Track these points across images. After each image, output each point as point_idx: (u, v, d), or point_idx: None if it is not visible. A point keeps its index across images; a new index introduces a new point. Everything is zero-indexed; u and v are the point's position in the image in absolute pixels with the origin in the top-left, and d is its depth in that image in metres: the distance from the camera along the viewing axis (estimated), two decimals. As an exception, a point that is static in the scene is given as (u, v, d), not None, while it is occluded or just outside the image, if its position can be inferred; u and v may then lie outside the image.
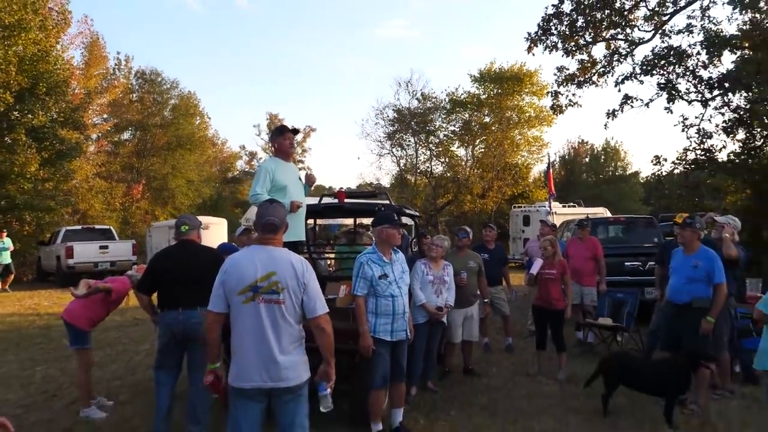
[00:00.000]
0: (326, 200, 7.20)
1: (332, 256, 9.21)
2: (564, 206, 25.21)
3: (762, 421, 5.34)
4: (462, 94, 30.82)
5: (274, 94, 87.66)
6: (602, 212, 25.68)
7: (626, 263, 10.08)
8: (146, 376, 6.91)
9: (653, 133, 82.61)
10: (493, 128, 30.06)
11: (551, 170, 24.10)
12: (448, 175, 30.21)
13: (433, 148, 30.61)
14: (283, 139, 5.30)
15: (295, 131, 5.38)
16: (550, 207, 22.74)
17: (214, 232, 20.04)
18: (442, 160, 31.11)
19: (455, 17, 78.99)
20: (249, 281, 3.20)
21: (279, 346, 3.21)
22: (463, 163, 30.95)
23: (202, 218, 22.38)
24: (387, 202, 6.73)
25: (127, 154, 33.72)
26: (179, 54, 76.24)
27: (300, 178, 5.55)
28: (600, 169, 56.81)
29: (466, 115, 30.96)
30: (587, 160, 57.75)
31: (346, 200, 6.45)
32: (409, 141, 30.72)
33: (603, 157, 57.67)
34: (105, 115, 31.98)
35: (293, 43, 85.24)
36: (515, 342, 8.67)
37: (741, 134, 13.64)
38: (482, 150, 30.27)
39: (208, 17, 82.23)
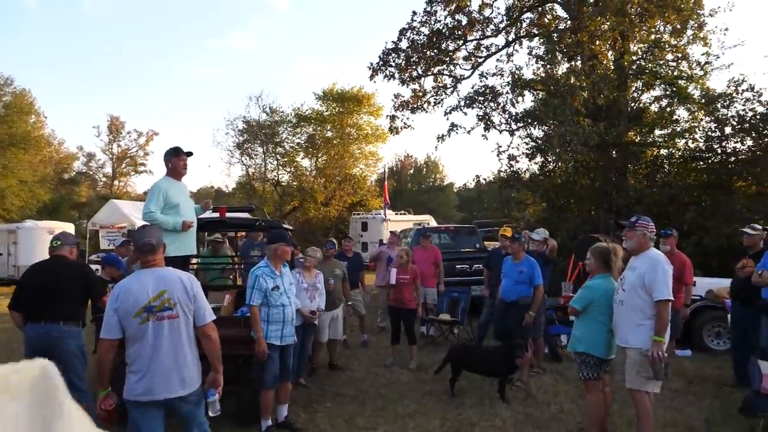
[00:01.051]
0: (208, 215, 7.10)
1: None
2: (396, 214, 26.52)
3: (568, 391, 6.29)
4: (307, 110, 31.22)
5: (117, 96, 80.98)
6: (428, 219, 27.43)
7: (457, 266, 11.06)
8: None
9: (464, 151, 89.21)
10: (335, 142, 30.74)
11: (386, 182, 25.31)
12: (294, 184, 30.35)
13: (280, 158, 30.56)
14: (177, 159, 5.22)
15: (189, 154, 5.33)
16: (384, 214, 23.85)
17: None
18: (288, 169, 31.19)
19: (297, 35, 78.87)
20: (142, 303, 3.24)
21: (182, 356, 3.30)
22: (308, 173, 31.26)
23: (48, 223, 20.37)
24: (254, 216, 6.84)
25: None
26: (14, 51, 67.53)
27: (190, 196, 5.50)
28: (422, 180, 60.24)
29: (311, 129, 31.36)
30: (411, 171, 60.91)
31: (227, 215, 6.45)
32: (257, 151, 30.38)
33: (425, 169, 61.29)
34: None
35: (137, 47, 79.43)
36: (369, 338, 9.14)
37: (539, 159, 15.52)
38: (325, 161, 30.79)
39: (46, 15, 73.89)
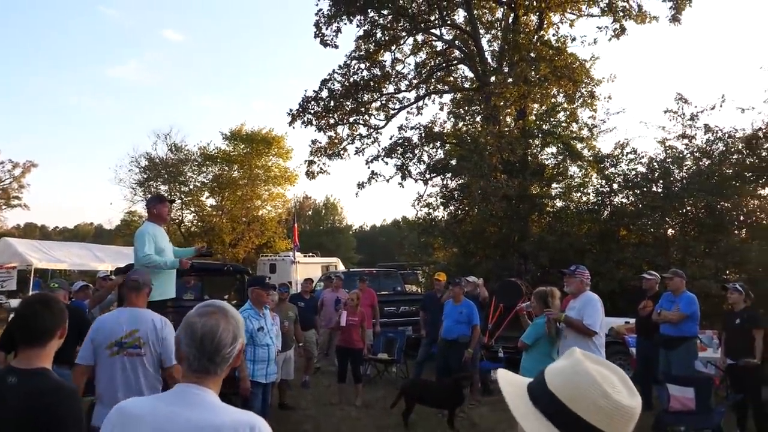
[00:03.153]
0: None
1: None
2: (305, 256, 26.80)
3: (509, 419, 7.09)
4: (213, 149, 30.98)
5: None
6: (336, 261, 27.96)
7: (385, 308, 11.73)
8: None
9: (363, 194, 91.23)
10: (242, 183, 30.67)
11: (296, 224, 25.67)
12: (200, 224, 29.80)
13: (184, 197, 29.92)
14: (162, 206, 5.55)
15: (172, 201, 5.68)
16: (294, 257, 24.10)
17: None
18: (193, 209, 30.59)
19: (190, 68, 77.48)
20: (116, 337, 3.64)
21: (141, 392, 3.60)
22: (214, 213, 30.80)
23: None
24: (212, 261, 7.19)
25: None
26: None
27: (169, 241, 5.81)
28: (320, 222, 60.73)
29: (217, 169, 31.11)
30: (310, 213, 61.30)
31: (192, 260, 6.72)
32: (161, 189, 29.56)
33: (324, 211, 61.93)
34: None
35: (14, 73, 74.31)
36: (309, 378, 9.51)
37: (451, 207, 16.84)
38: (232, 202, 30.56)
39: None
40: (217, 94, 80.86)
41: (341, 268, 25.55)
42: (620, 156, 14.51)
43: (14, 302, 19.33)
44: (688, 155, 13.62)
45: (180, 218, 29.34)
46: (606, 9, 17.39)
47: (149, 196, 29.73)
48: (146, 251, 5.19)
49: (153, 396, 1.74)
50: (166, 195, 6.05)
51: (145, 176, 29.91)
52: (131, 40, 77.39)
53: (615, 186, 14.38)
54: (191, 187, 30.90)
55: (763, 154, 12.71)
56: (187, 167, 30.73)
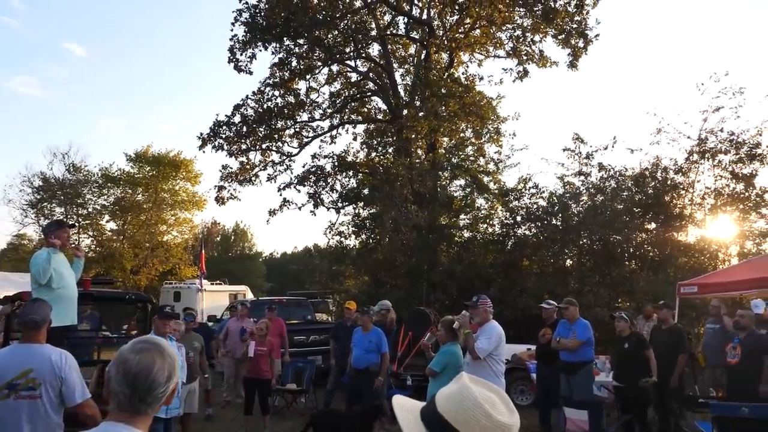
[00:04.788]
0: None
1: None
2: (212, 284, 25.94)
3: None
4: (116, 171, 29.55)
5: None
6: (244, 290, 27.24)
7: (295, 337, 11.58)
8: None
9: (274, 221, 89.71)
10: (146, 207, 29.40)
11: (203, 251, 24.85)
12: (98, 249, 28.12)
13: (81, 220, 28.16)
14: (61, 232, 5.29)
15: (72, 226, 5.41)
16: (200, 284, 23.28)
17: None
18: (91, 233, 28.84)
19: (94, 85, 73.54)
20: (7, 379, 3.30)
21: None
22: (114, 238, 29.22)
23: None
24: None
25: None
26: None
27: (70, 266, 5.52)
28: (229, 248, 59.08)
29: (119, 192, 29.66)
30: (218, 239, 59.53)
31: (92, 288, 6.40)
32: (55, 212, 27.73)
33: (233, 237, 60.34)
34: None
35: None
36: (213, 411, 9.17)
37: (363, 236, 17.02)
38: (134, 227, 29.15)
39: None
40: (121, 113, 77.23)
41: (250, 296, 24.95)
42: (523, 190, 15.33)
43: None
44: (584, 191, 14.64)
45: (76, 242, 27.54)
46: (511, 52, 18.53)
47: (42, 218, 27.87)
48: (40, 281, 4.91)
49: None
50: (65, 219, 5.75)
51: (39, 197, 27.98)
52: (29, 51, 72.63)
53: (518, 218, 15.13)
54: (90, 209, 29.26)
55: (650, 191, 13.90)
56: (87, 189, 29.11)
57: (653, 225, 14.13)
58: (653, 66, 67.71)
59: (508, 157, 17.72)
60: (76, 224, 5.70)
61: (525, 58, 18.25)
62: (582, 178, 14.67)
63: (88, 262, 27.67)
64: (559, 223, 14.36)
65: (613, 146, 14.55)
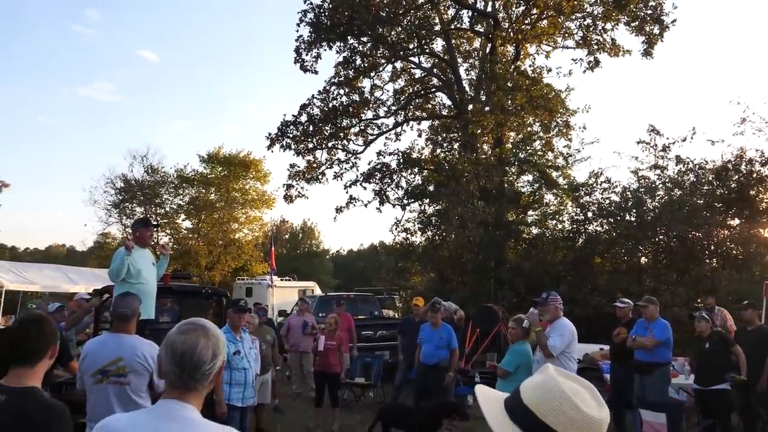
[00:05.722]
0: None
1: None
2: (282, 280, 26.65)
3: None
4: (190, 172, 30.85)
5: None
6: (312, 285, 27.83)
7: (363, 332, 11.73)
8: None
9: (341, 219, 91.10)
10: (218, 206, 30.52)
11: (273, 248, 25.57)
12: (176, 247, 29.43)
13: (160, 219, 29.58)
14: (145, 230, 5.60)
15: (156, 226, 5.71)
16: (271, 280, 23.97)
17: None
18: (168, 231, 30.24)
19: (167, 90, 77.12)
20: (100, 365, 3.60)
21: None
22: (190, 236, 30.54)
23: None
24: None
25: None
26: None
27: (153, 263, 5.82)
28: (297, 245, 60.43)
29: (194, 192, 30.95)
30: (287, 237, 60.97)
31: (171, 283, 6.72)
32: (136, 211, 29.27)
33: (300, 235, 61.69)
34: None
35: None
36: (282, 402, 9.42)
37: (429, 233, 17.01)
38: (208, 225, 30.35)
39: None
40: (192, 115, 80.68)
41: (318, 292, 25.43)
42: (594, 185, 14.85)
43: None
44: (660, 185, 14.00)
45: (156, 240, 29.01)
46: (581, 42, 17.96)
47: (124, 217, 29.47)
48: (114, 278, 5.22)
49: (135, 411, 1.77)
50: (150, 219, 6.19)
51: (121, 198, 29.59)
52: (106, 59, 77.04)
53: (589, 214, 14.67)
54: (167, 209, 30.66)
55: (733, 185, 13.14)
56: (164, 189, 30.53)
57: (736, 221, 13.35)
58: (736, 52, 63.99)
59: (578, 151, 17.25)
60: (159, 224, 6.10)
61: (596, 47, 17.65)
62: (658, 171, 14.02)
63: (165, 259, 29.14)
64: (633, 219, 13.81)
65: (692, 138, 13.82)
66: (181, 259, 27.58)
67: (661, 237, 13.63)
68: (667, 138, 13.98)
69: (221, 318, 7.03)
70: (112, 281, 5.27)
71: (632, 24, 16.81)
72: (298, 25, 18.67)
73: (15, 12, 72.28)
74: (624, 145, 54.17)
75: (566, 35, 18.55)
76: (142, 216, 27.82)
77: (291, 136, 19.50)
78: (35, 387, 2.15)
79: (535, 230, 16.10)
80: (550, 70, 18.46)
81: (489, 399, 1.29)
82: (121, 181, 29.59)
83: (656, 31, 16.68)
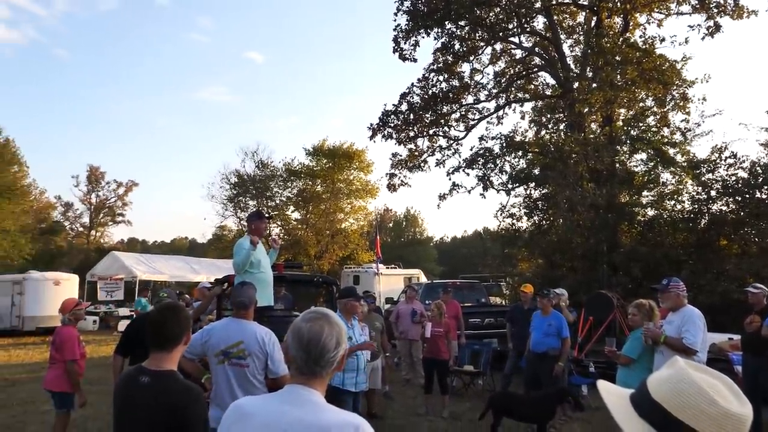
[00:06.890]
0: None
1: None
2: (387, 268, 27.09)
3: (601, 435, 6.90)
4: (297, 165, 32.11)
5: (93, 146, 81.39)
6: (418, 273, 28.03)
7: (470, 320, 11.66)
8: None
9: (444, 206, 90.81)
10: (325, 197, 31.56)
11: (378, 237, 26.03)
12: (286, 237, 30.89)
13: (270, 212, 31.16)
14: (260, 222, 5.90)
15: (270, 218, 6.00)
16: (377, 268, 24.43)
17: (66, 288, 18.39)
18: (279, 223, 31.74)
19: (272, 88, 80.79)
20: (222, 347, 3.84)
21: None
22: (299, 227, 31.89)
23: (53, 274, 20.24)
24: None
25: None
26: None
27: (266, 253, 6.13)
28: (401, 233, 61.09)
29: (301, 184, 32.23)
30: (391, 225, 61.78)
31: (285, 272, 7.03)
32: (249, 205, 31.05)
33: (404, 223, 62.30)
34: None
35: (114, 98, 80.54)
36: (392, 389, 9.60)
37: (536, 218, 16.52)
38: (315, 215, 31.51)
39: (24, 63, 74.80)
40: (297, 111, 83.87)
41: (423, 279, 25.60)
42: (718, 161, 13.71)
43: (122, 311, 20.90)
44: (796, 158, 12.68)
45: (267, 232, 30.54)
46: (698, 6, 16.52)
47: (239, 210, 31.32)
48: (239, 269, 5.53)
49: (265, 395, 1.87)
50: (263, 212, 6.55)
51: (235, 192, 31.44)
52: (218, 62, 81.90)
53: (713, 193, 13.60)
54: (277, 201, 32.18)
55: None
56: (274, 183, 32.06)
57: None
58: None
59: (697, 125, 15.96)
60: (271, 216, 6.44)
61: (715, 10, 16.13)
62: (793, 143, 12.70)
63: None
64: (765, 197, 12.62)
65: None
66: (291, 249, 28.84)
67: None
68: (804, 105, 12.59)
69: (332, 305, 7.29)
70: (236, 272, 5.61)
71: (759, -19, 15.24)
72: (396, 14, 18.75)
73: (139, 27, 78.43)
74: (752, 115, 49.32)
75: (681, 0, 17.16)
76: (255, 209, 29.36)
77: (392, 125, 19.67)
78: (174, 370, 2.35)
79: (651, 212, 15.17)
80: (663, 40, 17.12)
81: (613, 394, 1.23)
82: (235, 177, 31.44)
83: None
